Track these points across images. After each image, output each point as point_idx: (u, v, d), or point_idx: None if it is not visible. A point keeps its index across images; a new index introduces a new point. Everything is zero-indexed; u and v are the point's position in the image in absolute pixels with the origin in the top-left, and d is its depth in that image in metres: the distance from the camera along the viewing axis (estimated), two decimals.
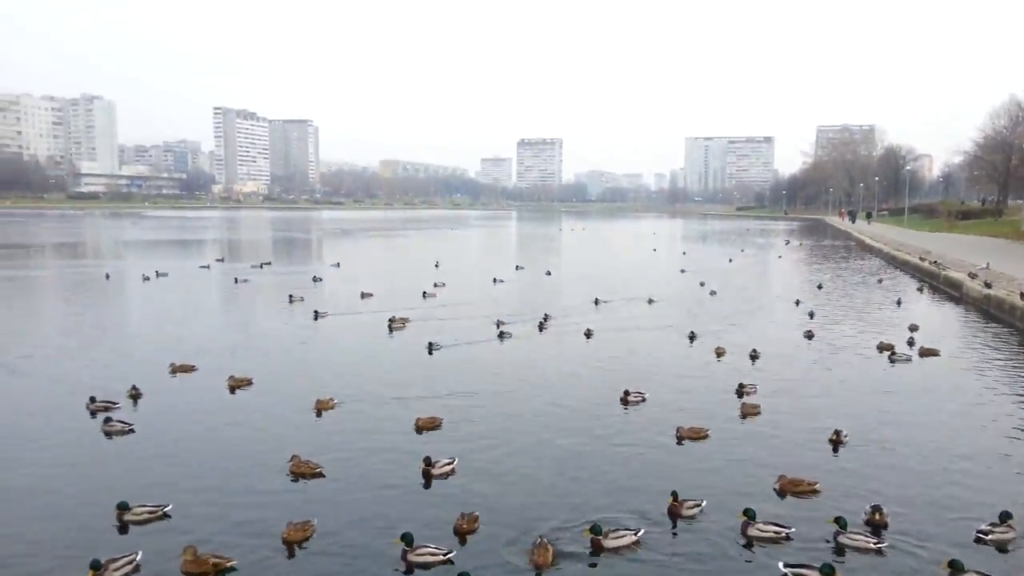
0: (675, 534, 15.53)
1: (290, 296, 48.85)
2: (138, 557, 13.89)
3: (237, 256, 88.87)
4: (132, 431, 21.46)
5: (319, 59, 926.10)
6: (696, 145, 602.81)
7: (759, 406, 24.35)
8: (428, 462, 18.37)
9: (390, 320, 39.26)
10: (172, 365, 28.58)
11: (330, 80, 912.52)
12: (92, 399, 23.56)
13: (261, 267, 71.54)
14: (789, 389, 27.49)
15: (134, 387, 24.97)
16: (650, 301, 49.19)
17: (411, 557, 14.08)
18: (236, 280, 58.95)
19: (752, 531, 15.30)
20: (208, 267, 70.39)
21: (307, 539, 14.85)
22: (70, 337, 37.14)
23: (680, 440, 21.36)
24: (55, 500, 16.87)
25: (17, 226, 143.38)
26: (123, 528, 15.51)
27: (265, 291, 55.18)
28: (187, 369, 28.48)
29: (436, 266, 72.20)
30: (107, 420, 21.98)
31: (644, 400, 25.30)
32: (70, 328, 40.37)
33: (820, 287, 59.28)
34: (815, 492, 17.46)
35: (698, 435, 21.65)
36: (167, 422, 22.69)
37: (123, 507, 15.77)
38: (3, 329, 38.84)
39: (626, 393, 25.44)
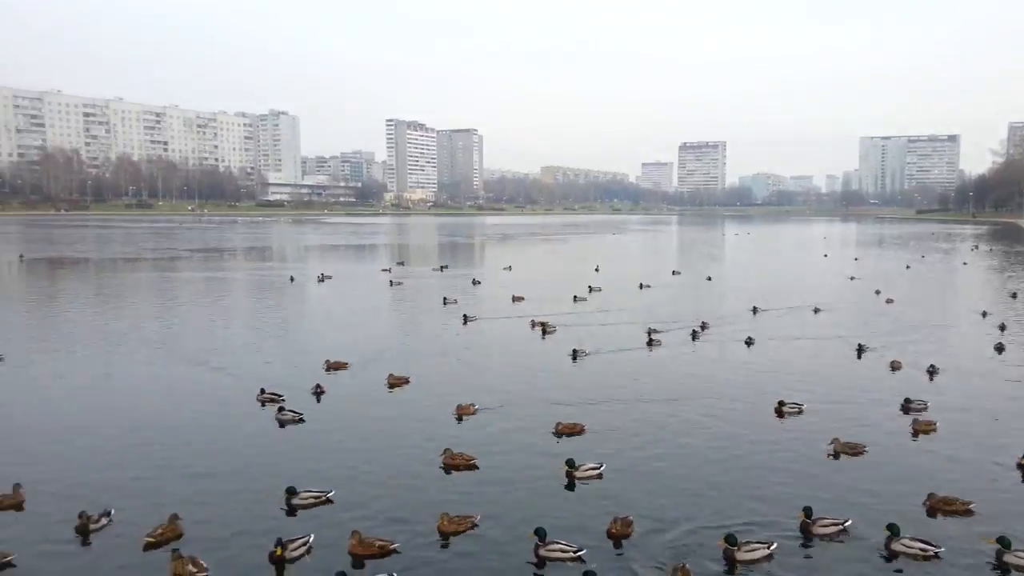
0: (808, 552, 14.99)
1: (444, 299, 50.82)
2: (311, 540, 15.12)
3: (410, 259, 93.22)
4: (302, 420, 23.26)
5: (483, 71, 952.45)
6: (872, 145, 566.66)
7: (935, 423, 22.84)
8: (571, 464, 18.69)
9: (533, 323, 40.16)
10: (327, 362, 30.57)
11: (494, 90, 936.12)
12: (262, 390, 25.73)
13: (441, 270, 75.04)
14: (968, 407, 25.55)
15: (318, 385, 26.68)
16: (816, 310, 47.19)
17: (542, 552, 14.50)
18: (391, 283, 62.00)
19: (896, 546, 14.55)
20: (389, 271, 74.21)
21: (461, 532, 15.55)
22: (252, 333, 40.57)
23: (836, 455, 20.49)
24: (232, 482, 18.62)
25: (214, 231, 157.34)
26: (291, 511, 16.91)
27: (423, 293, 57.60)
28: (340, 366, 30.44)
29: (596, 270, 72.41)
30: (280, 409, 23.89)
31: (801, 412, 24.41)
32: (253, 325, 44.07)
33: (1014, 296, 54.44)
34: (968, 512, 16.32)
35: (855, 450, 20.68)
36: (334, 413, 24.41)
37: (291, 491, 17.19)
38: (194, 326, 42.98)
39: (781, 403, 24.67)
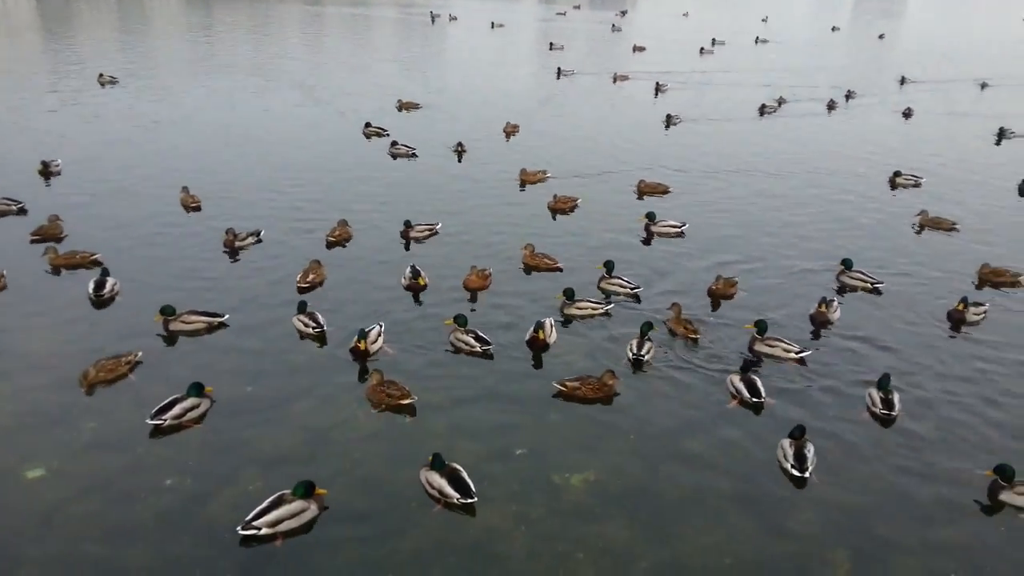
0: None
1: (551, 44, 52.09)
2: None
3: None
4: (416, 155, 25.42)
5: None
6: None
7: None
8: (651, 218, 18.93)
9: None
10: (399, 101, 33.26)
11: None
12: (367, 124, 28.75)
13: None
14: None
15: (458, 144, 26.63)
16: (983, 85, 42.16)
17: (603, 284, 15.59)
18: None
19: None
20: (564, 14, 72.41)
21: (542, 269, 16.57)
22: (364, 72, 41.99)
23: (921, 228, 19.86)
24: (319, 206, 20.35)
25: None
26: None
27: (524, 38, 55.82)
28: (412, 106, 33.28)
29: (764, 20, 66.57)
30: (393, 144, 26.13)
31: (918, 184, 23.57)
32: (365, 64, 45.28)
33: None
34: None
35: (941, 225, 19.98)
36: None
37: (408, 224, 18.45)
38: (314, 59, 44.62)
39: (896, 174, 23.86)
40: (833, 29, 67.13)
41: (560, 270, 16.45)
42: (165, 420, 10.48)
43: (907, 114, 33.55)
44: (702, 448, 10.59)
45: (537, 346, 12.77)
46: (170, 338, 13.20)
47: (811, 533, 9.05)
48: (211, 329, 13.43)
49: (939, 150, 28.71)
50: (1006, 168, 26.18)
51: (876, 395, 11.38)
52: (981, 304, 14.63)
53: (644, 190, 22.40)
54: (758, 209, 21.32)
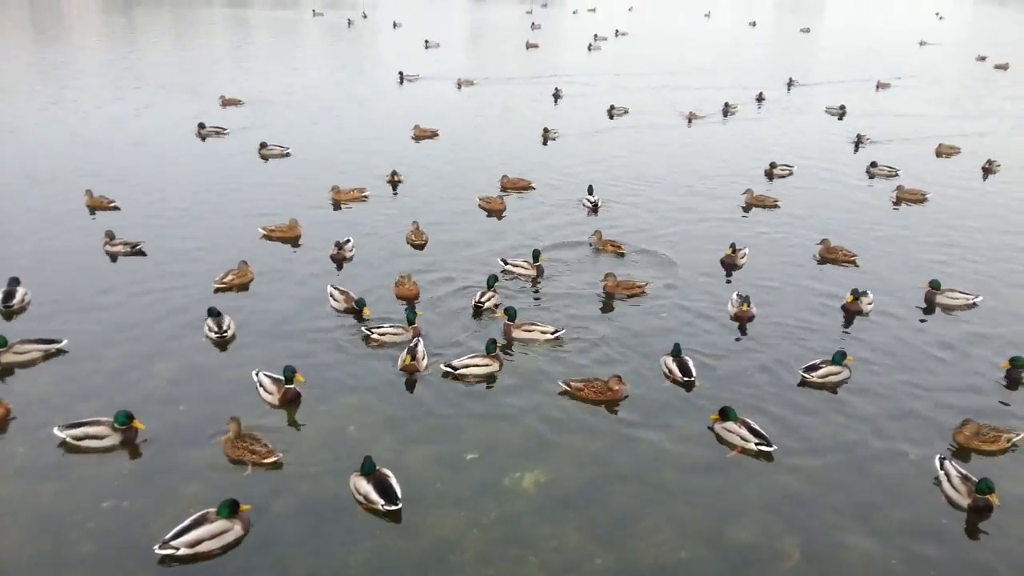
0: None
1: (425, 42, 52.40)
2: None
3: None
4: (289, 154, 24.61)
5: None
6: None
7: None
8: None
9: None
10: (222, 98, 32.85)
11: None
12: (201, 125, 28.03)
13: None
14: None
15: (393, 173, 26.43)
16: (880, 86, 41.02)
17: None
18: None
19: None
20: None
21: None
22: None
23: (748, 208, 20.11)
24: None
25: None
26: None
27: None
28: (234, 103, 32.74)
29: (630, 9, 67.39)
30: (263, 145, 25.43)
31: (791, 173, 24.55)
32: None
33: None
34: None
35: (765, 203, 21.34)
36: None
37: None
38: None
39: (772, 165, 24.75)
40: (751, 24, 68.33)
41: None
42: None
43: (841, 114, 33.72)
44: (650, 440, 10.58)
45: (408, 371, 12.11)
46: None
47: (762, 522, 9.03)
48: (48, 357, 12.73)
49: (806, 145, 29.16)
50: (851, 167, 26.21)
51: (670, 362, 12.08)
52: (867, 293, 15.01)
53: (507, 185, 22.43)
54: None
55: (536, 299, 15.02)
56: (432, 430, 10.70)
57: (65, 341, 12.50)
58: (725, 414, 10.61)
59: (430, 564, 8.25)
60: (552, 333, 13.20)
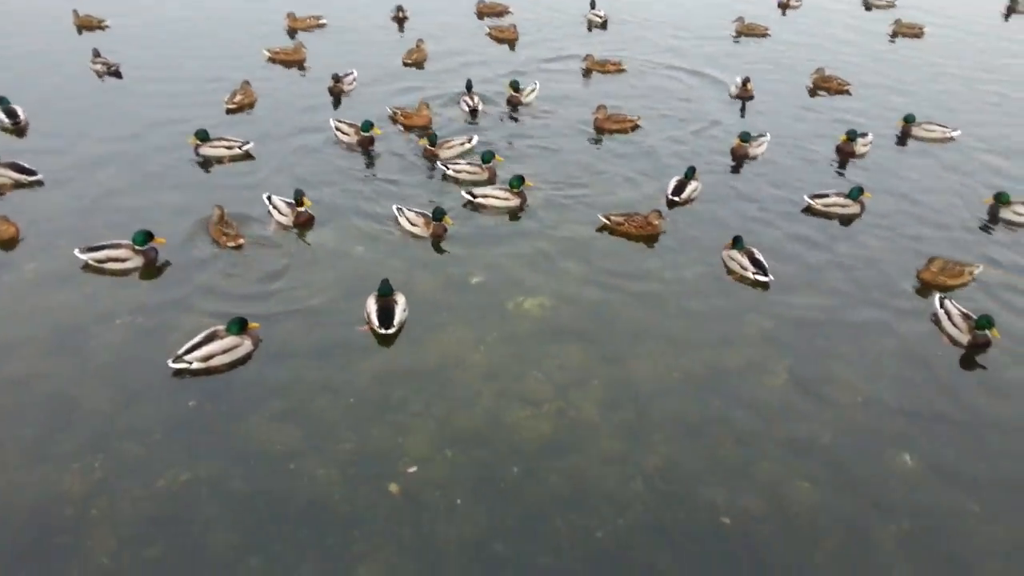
0: None
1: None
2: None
3: None
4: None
5: None
6: None
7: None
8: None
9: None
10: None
11: None
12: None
13: None
14: None
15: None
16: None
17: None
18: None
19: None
20: None
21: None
22: None
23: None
24: None
25: None
26: None
27: None
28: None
29: None
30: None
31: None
32: None
33: None
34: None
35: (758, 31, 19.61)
36: None
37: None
38: None
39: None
40: None
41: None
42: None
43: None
44: (653, 269, 10.79)
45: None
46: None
47: (754, 346, 9.36)
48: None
49: None
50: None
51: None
52: (866, 135, 14.82)
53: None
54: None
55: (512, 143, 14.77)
56: (442, 257, 10.84)
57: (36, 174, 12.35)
58: (735, 242, 10.72)
59: (437, 378, 8.58)
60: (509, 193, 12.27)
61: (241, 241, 10.76)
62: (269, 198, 11.55)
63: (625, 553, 6.68)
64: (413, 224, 11.18)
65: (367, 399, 8.24)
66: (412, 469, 7.41)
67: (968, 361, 9.28)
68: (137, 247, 10.12)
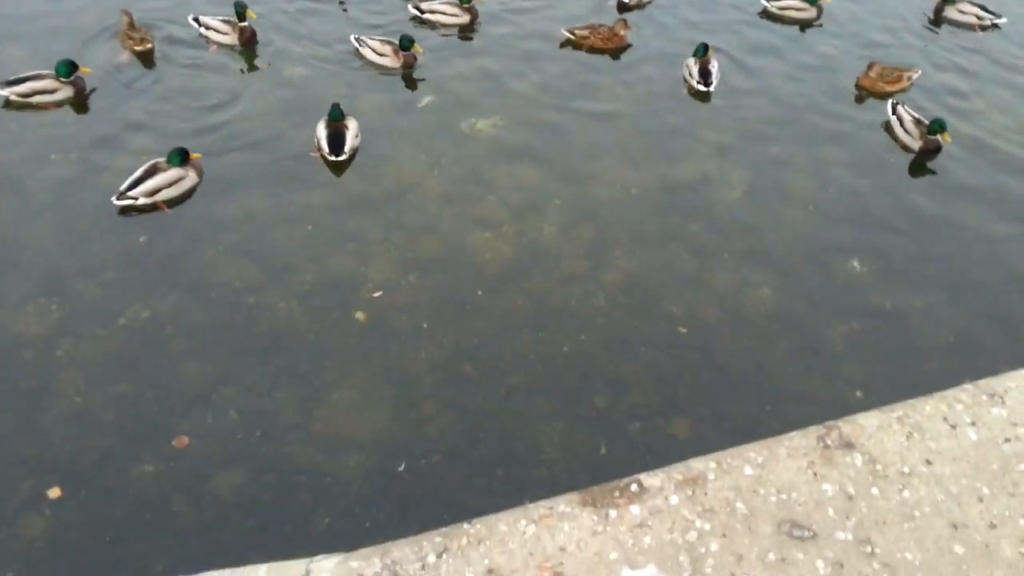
0: None
1: None
2: None
3: None
4: None
5: None
6: None
7: None
8: None
9: None
10: None
11: None
12: None
13: None
14: None
15: None
16: None
17: None
18: None
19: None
20: None
21: None
22: None
23: None
24: None
25: None
26: None
27: None
28: None
29: None
30: None
31: None
32: None
33: None
34: None
35: None
36: None
37: None
38: None
39: None
40: None
41: None
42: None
43: None
44: (610, 85, 10.52)
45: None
46: None
47: (710, 159, 9.34)
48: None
49: None
50: None
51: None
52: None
53: None
54: None
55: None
56: (389, 80, 10.35)
57: None
58: (697, 50, 10.45)
59: (394, 204, 8.44)
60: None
61: (149, 46, 10.20)
62: (197, 20, 10.70)
63: (590, 366, 6.95)
64: (380, 55, 10.37)
65: (324, 228, 8.10)
66: (377, 294, 7.45)
67: (918, 167, 9.47)
68: (63, 79, 9.40)
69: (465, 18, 11.25)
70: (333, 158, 8.73)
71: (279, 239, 7.94)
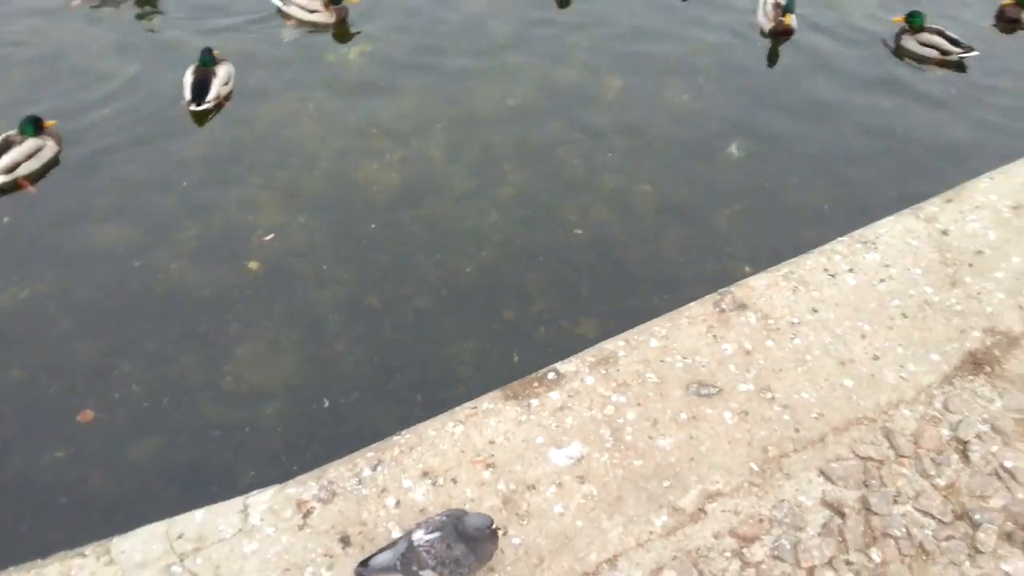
0: None
1: None
2: None
3: None
4: None
5: None
6: None
7: None
8: None
9: None
10: None
11: None
12: None
13: None
14: None
15: None
16: None
17: None
18: None
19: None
20: None
21: None
22: None
23: None
24: None
25: None
26: None
27: None
28: None
29: None
30: None
31: None
32: None
33: None
34: None
35: None
36: None
37: None
38: None
39: None
40: None
41: None
42: None
43: None
44: None
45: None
46: None
47: (583, 65, 9.43)
48: None
49: None
50: None
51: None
52: None
53: None
54: None
55: None
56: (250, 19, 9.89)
57: None
58: None
59: (271, 146, 8.18)
60: None
61: None
62: None
63: (493, 281, 7.04)
64: (311, 11, 9.59)
65: (202, 182, 7.79)
66: (269, 237, 7.27)
67: (776, 51, 9.80)
68: None
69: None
70: (194, 107, 8.31)
71: (155, 199, 7.60)
